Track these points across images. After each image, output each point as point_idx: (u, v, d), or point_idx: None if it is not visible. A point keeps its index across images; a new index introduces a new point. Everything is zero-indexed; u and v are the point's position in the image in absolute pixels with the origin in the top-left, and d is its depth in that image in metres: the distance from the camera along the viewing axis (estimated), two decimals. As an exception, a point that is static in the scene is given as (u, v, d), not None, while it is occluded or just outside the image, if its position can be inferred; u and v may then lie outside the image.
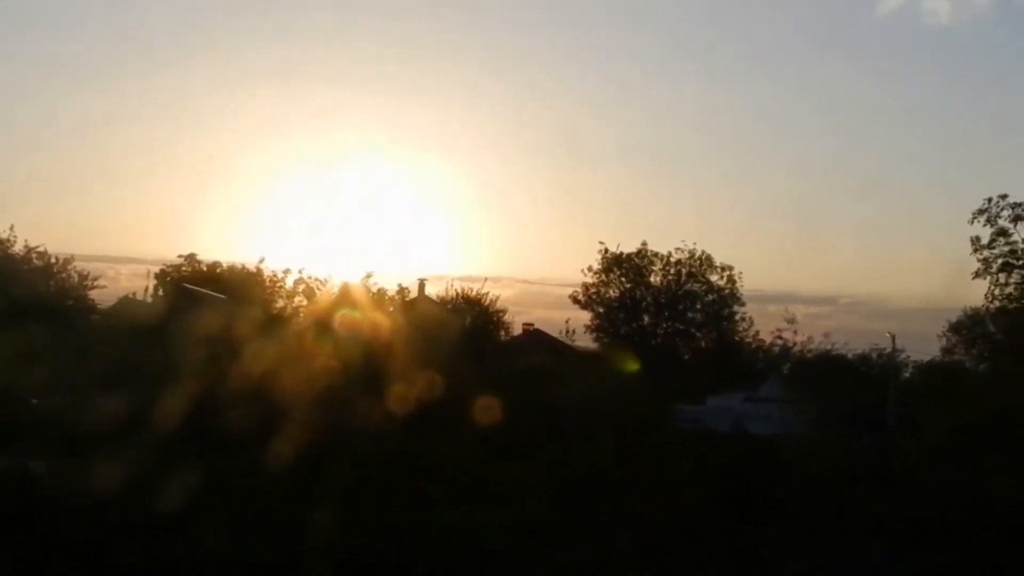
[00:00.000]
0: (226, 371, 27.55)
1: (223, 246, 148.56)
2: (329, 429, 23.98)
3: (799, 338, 63.12)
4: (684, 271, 71.59)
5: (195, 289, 53.08)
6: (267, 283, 67.96)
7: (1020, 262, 34.90)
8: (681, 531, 15.92)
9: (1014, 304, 35.96)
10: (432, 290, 63.09)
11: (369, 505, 19.15)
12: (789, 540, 17.47)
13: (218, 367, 27.73)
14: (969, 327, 67.13)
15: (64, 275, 60.01)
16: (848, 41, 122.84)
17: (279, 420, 24.05)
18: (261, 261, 68.79)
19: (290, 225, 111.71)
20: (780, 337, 60.67)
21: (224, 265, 69.50)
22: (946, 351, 71.28)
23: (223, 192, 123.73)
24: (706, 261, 71.63)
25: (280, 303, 65.86)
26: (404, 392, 27.51)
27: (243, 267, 68.62)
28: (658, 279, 71.85)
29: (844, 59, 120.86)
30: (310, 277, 68.69)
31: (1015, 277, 35.19)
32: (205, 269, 68.28)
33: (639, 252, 71.82)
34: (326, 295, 61.71)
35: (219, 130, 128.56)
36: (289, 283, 69.15)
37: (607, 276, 71.80)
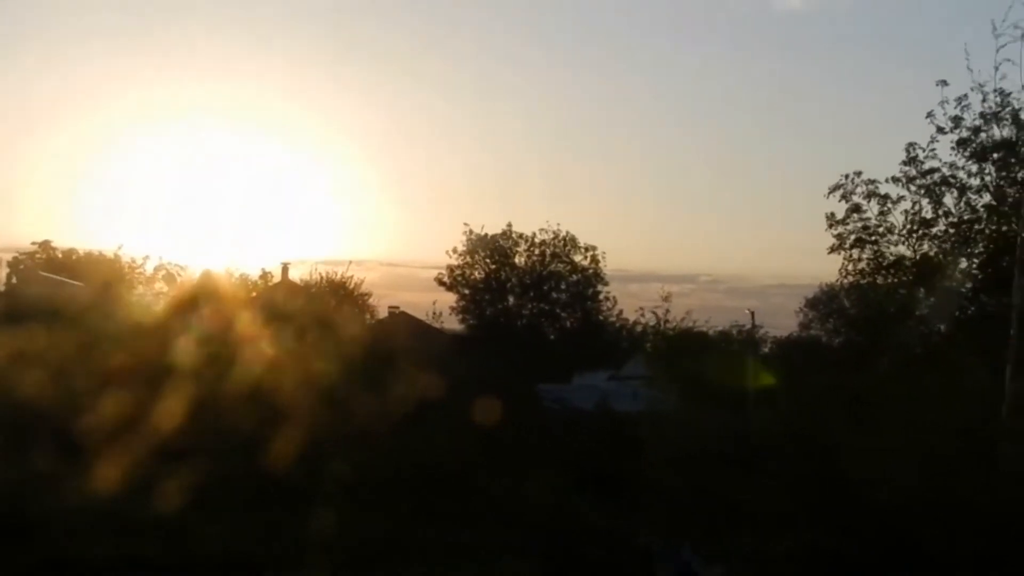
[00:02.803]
0: (81, 358, 26.92)
1: (79, 233, 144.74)
2: (188, 418, 23.62)
3: (662, 314, 63.92)
4: (548, 252, 72.12)
5: (50, 276, 51.72)
6: (126, 270, 66.54)
7: (872, 238, 35.70)
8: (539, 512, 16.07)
9: (866, 279, 36.80)
10: (296, 274, 62.51)
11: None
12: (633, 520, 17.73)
13: (72, 354, 27.09)
14: (825, 303, 68.93)
15: (-91, 265, 57.87)
16: (704, 22, 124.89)
17: (138, 408, 23.66)
18: (119, 248, 67.41)
19: (148, 211, 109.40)
20: (650, 312, 61.23)
21: (81, 252, 67.93)
22: (803, 326, 73.13)
23: (79, 178, 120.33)
24: (570, 242, 72.23)
25: (139, 289, 64.59)
26: (264, 377, 27.17)
27: (100, 254, 67.14)
28: (523, 260, 72.25)
29: (701, 41, 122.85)
30: (170, 263, 67.52)
31: (867, 252, 35.98)
32: (60, 256, 66.59)
33: (504, 233, 72.12)
34: (187, 281, 60.71)
35: (71, 114, 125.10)
36: (149, 269, 67.89)
37: (472, 258, 71.91)
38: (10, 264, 63.70)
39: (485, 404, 28.18)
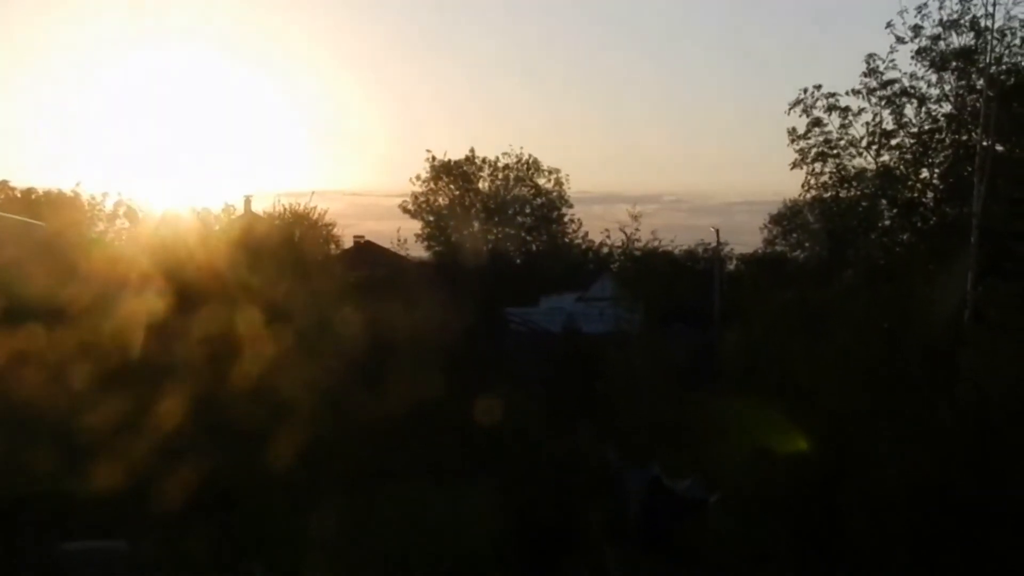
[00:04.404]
0: (44, 299, 26.73)
1: (34, 171, 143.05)
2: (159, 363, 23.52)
3: (631, 233, 63.95)
4: (512, 176, 72.04)
5: (8, 216, 51.16)
6: (86, 207, 66.01)
7: (834, 151, 35.86)
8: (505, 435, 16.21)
9: (829, 193, 37.02)
10: (258, 207, 61.95)
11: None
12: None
13: (34, 295, 26.90)
14: (789, 218, 69.32)
15: None
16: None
17: (101, 349, 23.57)
18: (77, 185, 66.79)
19: (104, 147, 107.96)
20: (619, 232, 61.20)
21: (40, 191, 67.29)
22: (768, 242, 73.60)
23: (31, 114, 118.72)
24: (533, 165, 72.20)
25: (100, 227, 64.13)
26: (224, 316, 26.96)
27: (60, 192, 66.48)
28: (487, 185, 72.17)
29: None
30: (129, 200, 66.96)
31: (829, 166, 36.17)
32: (19, 196, 65.92)
33: (467, 159, 71.93)
34: (148, 217, 60.18)
35: (22, 50, 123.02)
36: (109, 206, 67.28)
37: (436, 184, 71.81)
38: (-32, 205, 63.22)
39: (450, 328, 28.24)
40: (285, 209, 61.04)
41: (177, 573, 14.43)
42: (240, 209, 61.60)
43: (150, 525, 15.90)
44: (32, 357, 23.25)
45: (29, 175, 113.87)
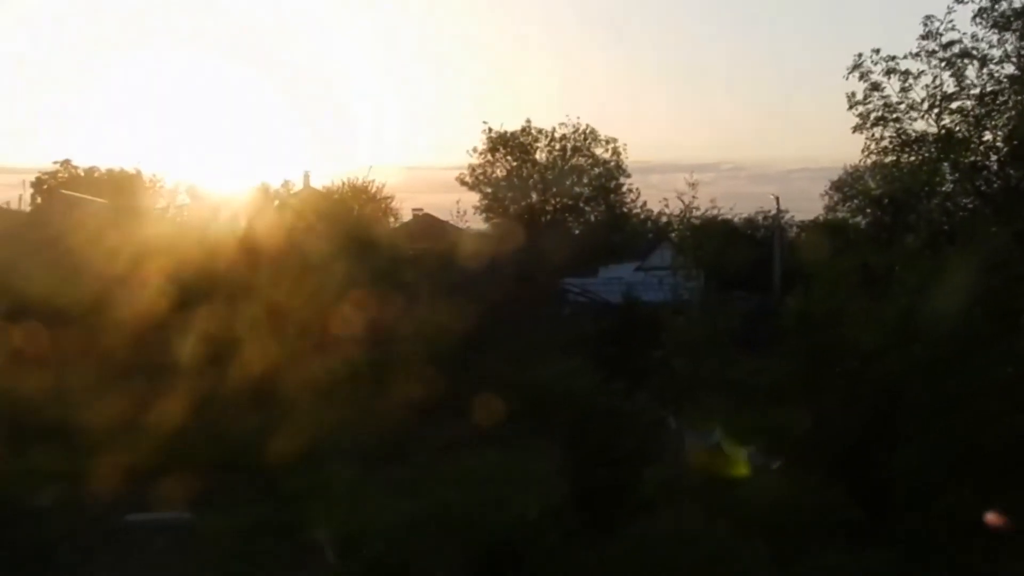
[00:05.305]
0: (112, 273, 27.16)
1: (99, 151, 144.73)
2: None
3: (689, 201, 63.70)
4: (569, 146, 71.75)
5: (73, 195, 51.78)
6: (147, 185, 66.66)
7: (893, 115, 35.29)
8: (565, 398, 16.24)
9: (889, 157, 36.51)
10: (317, 182, 62.38)
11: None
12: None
13: (103, 270, 27.33)
14: (850, 184, 68.48)
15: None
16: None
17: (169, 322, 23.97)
18: (138, 163, 67.46)
19: (165, 128, 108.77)
20: (676, 200, 60.92)
21: (102, 170, 67.96)
22: (829, 209, 72.78)
23: (96, 95, 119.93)
24: (590, 135, 71.81)
25: (162, 204, 64.73)
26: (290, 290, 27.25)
27: (121, 171, 67.12)
28: (544, 156, 71.97)
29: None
30: (187, 180, 67.51)
31: (889, 131, 35.63)
32: (82, 175, 66.66)
33: (523, 130, 71.76)
34: (210, 195, 60.66)
35: (84, 34, 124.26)
36: (169, 184, 67.88)
37: (493, 156, 71.72)
38: (34, 184, 64.05)
39: (510, 297, 28.42)
40: (344, 183, 61.68)
41: (237, 543, 14.62)
42: (298, 185, 62.13)
43: (211, 495, 16.17)
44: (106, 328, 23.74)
45: (90, 156, 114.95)
